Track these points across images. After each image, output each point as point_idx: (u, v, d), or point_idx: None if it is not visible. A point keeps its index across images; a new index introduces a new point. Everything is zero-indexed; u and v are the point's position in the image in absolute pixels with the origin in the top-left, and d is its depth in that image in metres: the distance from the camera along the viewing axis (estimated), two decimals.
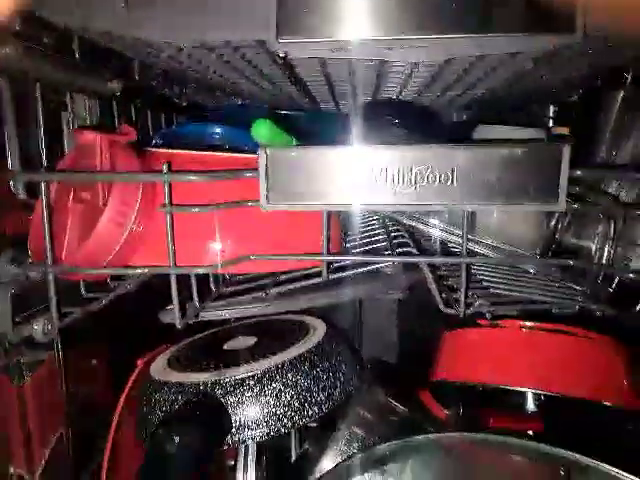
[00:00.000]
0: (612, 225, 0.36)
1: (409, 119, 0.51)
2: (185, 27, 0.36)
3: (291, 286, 0.43)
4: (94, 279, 0.42)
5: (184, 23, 0.35)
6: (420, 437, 0.43)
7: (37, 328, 0.41)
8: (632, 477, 0.37)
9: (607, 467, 0.38)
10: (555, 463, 0.40)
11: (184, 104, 0.66)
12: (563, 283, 0.39)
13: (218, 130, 0.48)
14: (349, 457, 0.45)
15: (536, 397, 0.53)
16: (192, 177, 0.32)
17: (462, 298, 0.35)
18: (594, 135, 0.49)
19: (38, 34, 0.39)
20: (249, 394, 0.45)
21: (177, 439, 0.39)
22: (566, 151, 0.31)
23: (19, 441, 0.45)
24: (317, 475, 0.46)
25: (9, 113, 0.38)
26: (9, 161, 0.37)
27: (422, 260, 0.37)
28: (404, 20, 0.32)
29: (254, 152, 0.33)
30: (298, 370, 0.47)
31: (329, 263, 0.38)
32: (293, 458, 0.54)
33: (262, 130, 0.35)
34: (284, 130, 0.37)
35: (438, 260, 0.38)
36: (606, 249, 0.38)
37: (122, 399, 0.51)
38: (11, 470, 0.45)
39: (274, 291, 0.43)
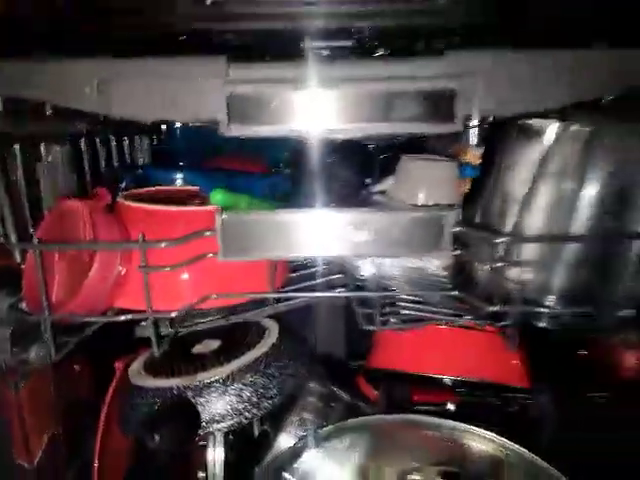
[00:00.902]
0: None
1: (349, 157, 0.61)
2: (149, 110, 0.43)
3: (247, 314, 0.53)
4: None
5: (148, 107, 0.43)
6: (353, 420, 0.54)
7: (33, 355, 0.49)
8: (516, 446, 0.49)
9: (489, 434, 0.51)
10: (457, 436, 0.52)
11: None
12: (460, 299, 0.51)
13: (180, 175, 0.56)
14: (299, 439, 0.56)
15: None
16: (163, 244, 0.41)
17: (377, 319, 0.46)
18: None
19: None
20: (215, 394, 0.55)
21: (157, 437, 0.49)
22: (449, 217, 0.42)
23: (19, 438, 0.54)
24: (274, 453, 0.58)
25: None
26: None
27: (345, 295, 0.48)
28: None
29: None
30: (256, 371, 0.58)
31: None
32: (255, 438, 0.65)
33: (217, 197, 0.44)
34: (237, 192, 0.46)
35: (355, 294, 0.49)
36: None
37: (107, 400, 0.60)
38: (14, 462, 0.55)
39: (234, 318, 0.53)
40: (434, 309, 0.50)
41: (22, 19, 0.40)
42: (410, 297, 0.50)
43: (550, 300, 0.50)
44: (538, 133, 0.54)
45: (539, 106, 0.42)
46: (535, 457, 0.47)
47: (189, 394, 0.55)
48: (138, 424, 0.54)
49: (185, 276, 0.46)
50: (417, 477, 0.46)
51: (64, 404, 0.61)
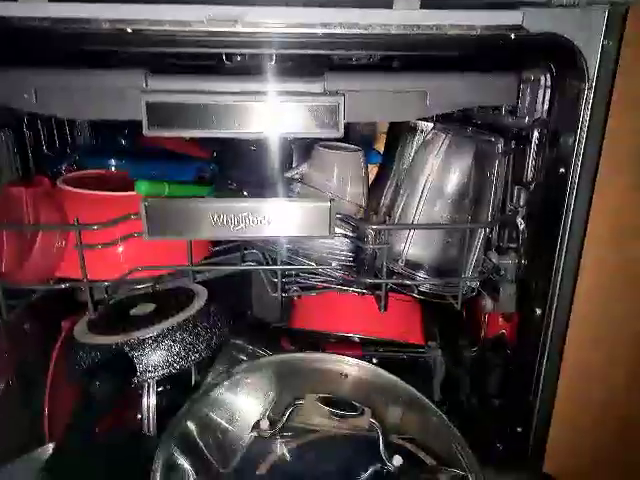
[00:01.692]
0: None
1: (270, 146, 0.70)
2: (82, 113, 0.51)
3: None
4: None
5: (81, 110, 0.51)
6: (257, 360, 0.65)
7: None
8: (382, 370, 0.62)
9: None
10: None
11: None
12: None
13: (114, 162, 0.64)
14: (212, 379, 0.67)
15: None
16: (95, 227, 0.50)
17: (279, 289, 0.57)
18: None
19: None
20: (148, 349, 0.65)
21: (97, 383, 0.59)
22: (331, 208, 0.52)
23: None
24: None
25: None
26: None
27: (251, 268, 0.58)
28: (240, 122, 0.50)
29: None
30: (184, 330, 0.68)
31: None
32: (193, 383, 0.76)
33: (141, 188, 0.53)
34: (165, 176, 0.55)
35: (259, 268, 0.59)
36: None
37: (55, 355, 0.70)
38: None
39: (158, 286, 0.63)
40: (327, 279, 0.61)
41: None
42: (310, 269, 0.61)
43: (421, 275, 0.62)
44: (421, 132, 0.65)
45: (399, 117, 0.52)
46: (399, 380, 0.60)
47: (126, 349, 0.65)
48: (81, 374, 0.64)
49: (116, 251, 0.55)
50: (301, 402, 0.58)
51: (16, 359, 0.70)
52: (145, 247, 0.55)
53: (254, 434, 0.58)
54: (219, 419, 0.61)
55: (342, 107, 0.50)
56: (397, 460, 0.54)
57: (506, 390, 0.64)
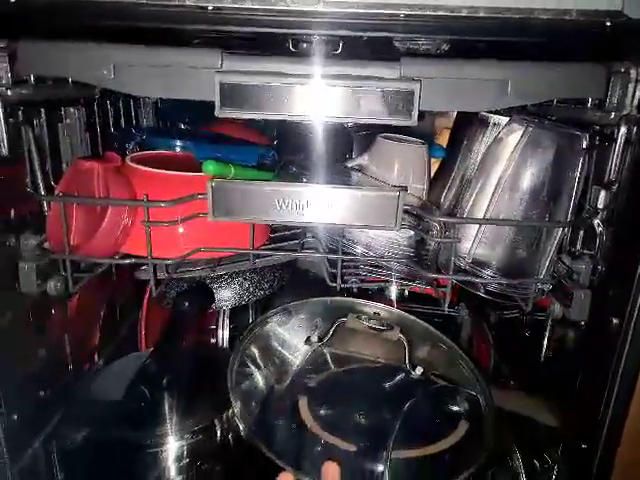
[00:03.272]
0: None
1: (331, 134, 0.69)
2: (156, 91, 0.52)
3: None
4: None
5: (155, 88, 0.51)
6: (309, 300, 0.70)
7: (52, 287, 0.59)
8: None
9: None
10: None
11: None
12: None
13: (180, 143, 0.64)
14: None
15: None
16: (162, 204, 0.50)
17: (338, 278, 0.56)
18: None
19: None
20: (225, 283, 0.75)
21: (186, 303, 0.66)
22: (399, 198, 0.51)
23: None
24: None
25: (33, 144, 0.53)
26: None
27: (313, 256, 0.57)
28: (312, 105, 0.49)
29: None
30: (253, 270, 0.74)
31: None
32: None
33: (209, 167, 0.52)
34: (228, 161, 0.54)
35: (319, 256, 0.58)
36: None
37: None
38: None
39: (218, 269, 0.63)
40: (387, 272, 0.59)
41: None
42: (370, 261, 0.59)
43: (488, 273, 0.59)
44: (493, 125, 0.63)
45: (477, 107, 0.50)
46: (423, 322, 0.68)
47: (207, 281, 0.73)
48: (174, 298, 0.74)
49: (180, 230, 0.55)
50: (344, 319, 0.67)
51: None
52: (208, 228, 0.55)
53: (307, 347, 0.68)
54: (275, 343, 0.71)
55: (417, 94, 0.49)
56: (419, 370, 0.65)
57: (572, 402, 0.61)
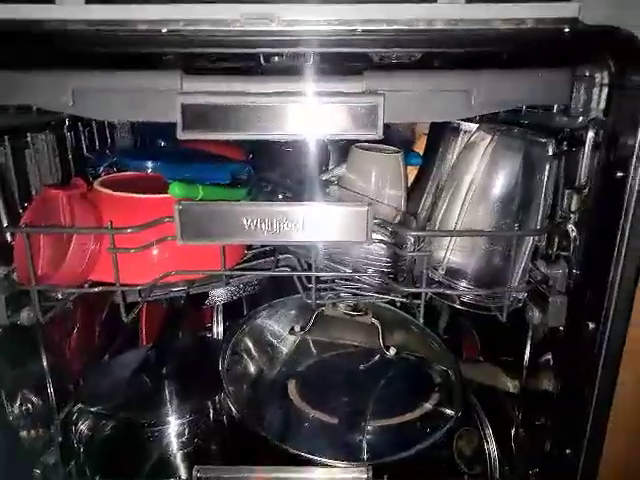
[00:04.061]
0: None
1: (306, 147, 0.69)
2: (118, 114, 0.51)
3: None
4: None
5: (117, 111, 0.50)
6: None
7: (24, 316, 0.58)
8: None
9: None
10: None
11: None
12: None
13: (151, 164, 0.64)
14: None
15: None
16: (128, 230, 0.49)
17: (312, 295, 0.55)
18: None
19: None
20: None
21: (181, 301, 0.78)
22: (369, 212, 0.50)
23: None
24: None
25: None
26: None
27: (286, 274, 0.56)
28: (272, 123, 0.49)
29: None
30: None
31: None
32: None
33: (175, 190, 0.52)
34: (194, 184, 0.54)
35: (293, 274, 0.58)
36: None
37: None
38: None
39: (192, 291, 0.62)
40: (363, 286, 0.59)
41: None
42: (345, 277, 0.58)
43: (463, 284, 0.59)
44: (464, 133, 0.62)
45: (441, 117, 0.49)
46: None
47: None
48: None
49: (149, 255, 0.54)
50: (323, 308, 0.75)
51: None
52: (179, 250, 0.55)
53: (292, 336, 0.77)
54: (264, 334, 0.79)
55: (382, 107, 0.48)
56: (392, 350, 0.73)
57: (554, 411, 0.60)
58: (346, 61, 0.57)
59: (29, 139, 0.61)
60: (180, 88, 0.47)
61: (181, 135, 0.49)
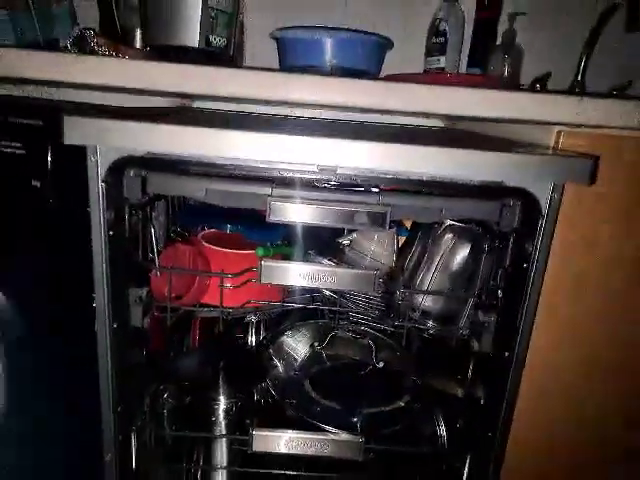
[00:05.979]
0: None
1: None
2: (232, 202, 0.83)
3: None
4: None
5: (230, 202, 0.83)
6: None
7: (145, 321, 0.89)
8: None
9: None
10: None
11: None
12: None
13: (230, 227, 0.98)
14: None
15: None
16: (230, 276, 0.81)
17: (335, 321, 0.88)
18: None
19: None
20: None
21: None
22: (376, 274, 0.83)
23: None
24: None
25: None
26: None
27: (321, 307, 0.89)
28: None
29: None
30: None
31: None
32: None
33: (260, 252, 0.84)
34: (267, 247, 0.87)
35: (325, 307, 0.90)
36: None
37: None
38: None
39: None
40: (366, 318, 0.92)
41: None
42: (355, 312, 0.92)
43: (431, 323, 0.92)
44: (437, 224, 0.96)
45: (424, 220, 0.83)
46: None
47: None
48: None
49: (240, 290, 0.87)
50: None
51: None
52: (256, 288, 0.87)
53: (311, 350, 1.10)
54: (287, 348, 1.11)
55: (389, 214, 0.81)
56: (380, 363, 1.06)
57: (482, 408, 0.93)
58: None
59: (156, 205, 0.94)
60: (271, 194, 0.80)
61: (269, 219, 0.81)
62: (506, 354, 0.85)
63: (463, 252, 0.88)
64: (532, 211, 0.79)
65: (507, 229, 0.85)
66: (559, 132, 0.80)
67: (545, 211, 0.77)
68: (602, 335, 0.86)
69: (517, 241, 0.84)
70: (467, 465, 0.92)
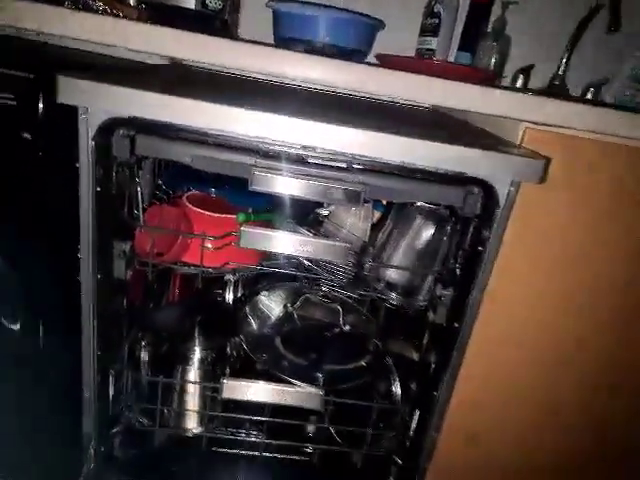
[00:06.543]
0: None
1: None
2: (218, 168, 0.89)
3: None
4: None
5: (217, 168, 0.88)
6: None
7: (128, 273, 0.95)
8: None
9: None
10: None
11: None
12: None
13: (213, 190, 1.03)
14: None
15: None
16: (212, 238, 0.88)
17: (306, 285, 0.96)
18: None
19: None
20: None
21: None
22: (348, 247, 0.91)
23: None
24: None
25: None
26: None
27: (296, 274, 0.97)
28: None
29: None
30: None
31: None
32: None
33: (241, 217, 0.91)
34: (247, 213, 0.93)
35: (300, 274, 0.98)
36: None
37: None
38: None
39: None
40: (337, 285, 1.00)
41: None
42: (326, 279, 1.00)
43: (394, 294, 1.00)
44: (410, 205, 1.04)
45: (396, 200, 0.90)
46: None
47: None
48: None
49: (220, 252, 0.93)
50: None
51: None
52: (236, 250, 0.94)
53: (284, 310, 1.19)
54: (262, 307, 1.19)
55: (363, 192, 0.88)
56: (347, 326, 1.18)
57: (432, 371, 1.03)
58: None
59: (143, 164, 0.98)
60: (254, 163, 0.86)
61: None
62: (455, 325, 0.95)
63: (429, 232, 0.96)
64: (490, 201, 0.87)
65: (469, 214, 0.93)
66: (525, 129, 0.87)
67: (502, 202, 0.85)
68: (544, 311, 0.95)
69: (477, 227, 0.92)
70: (415, 420, 1.03)
